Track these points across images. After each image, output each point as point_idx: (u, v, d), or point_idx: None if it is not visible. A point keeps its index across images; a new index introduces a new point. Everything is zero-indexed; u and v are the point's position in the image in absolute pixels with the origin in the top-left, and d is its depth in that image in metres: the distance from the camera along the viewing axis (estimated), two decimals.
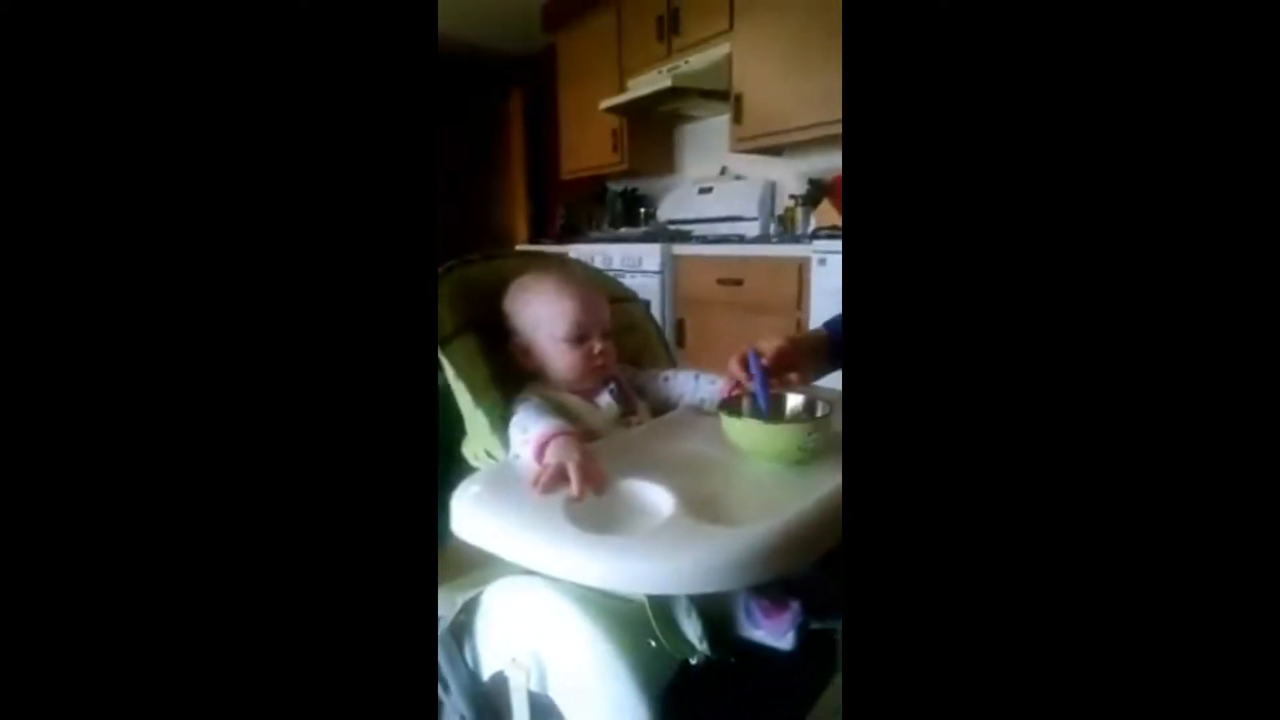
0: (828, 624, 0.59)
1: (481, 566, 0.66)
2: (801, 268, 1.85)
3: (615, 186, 3.36)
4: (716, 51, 2.36)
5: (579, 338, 0.70)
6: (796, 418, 0.64)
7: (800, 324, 1.87)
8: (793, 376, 0.69)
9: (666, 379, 0.79)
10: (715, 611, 0.55)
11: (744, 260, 2.08)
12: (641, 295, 0.97)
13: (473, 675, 0.69)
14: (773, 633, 0.54)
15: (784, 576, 0.54)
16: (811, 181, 2.30)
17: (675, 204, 2.95)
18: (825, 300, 1.77)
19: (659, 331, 0.94)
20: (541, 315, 0.71)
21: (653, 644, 0.54)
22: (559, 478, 0.55)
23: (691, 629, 0.53)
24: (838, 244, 1.74)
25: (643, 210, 3.19)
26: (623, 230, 3.07)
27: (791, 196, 2.39)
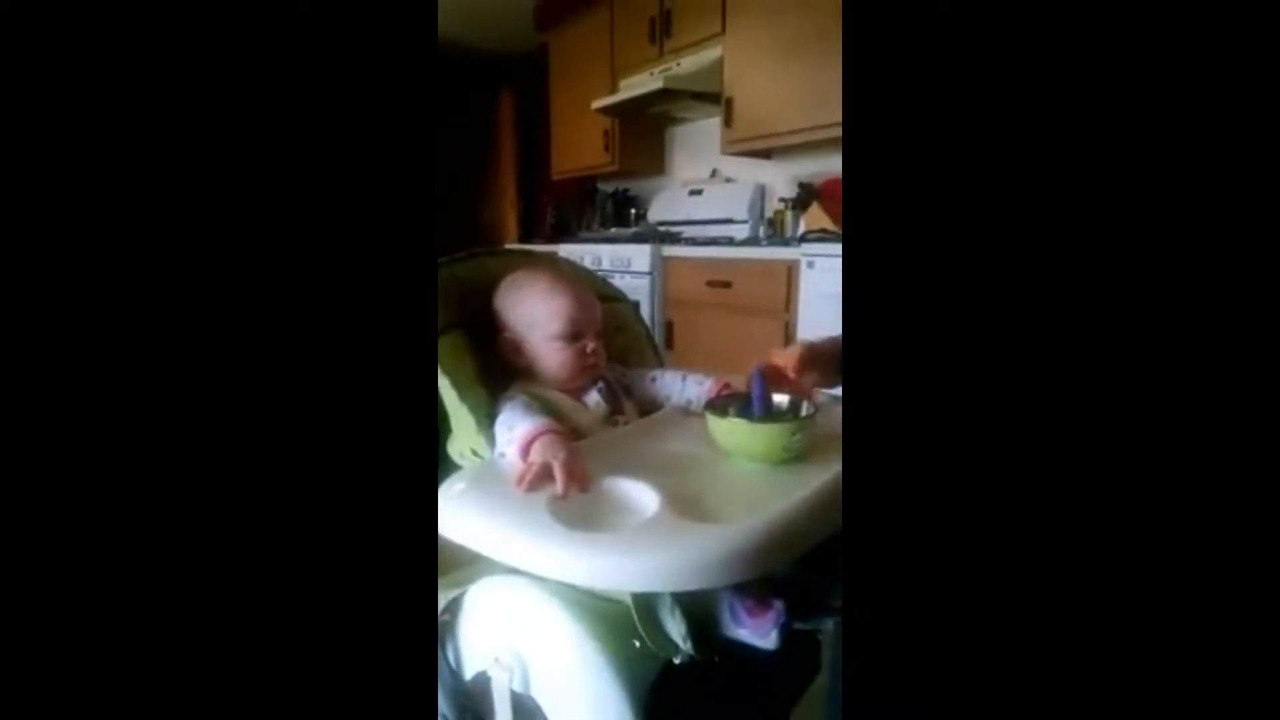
0: (811, 624, 0.59)
1: (464, 565, 0.66)
2: (790, 270, 1.86)
3: (606, 187, 3.36)
4: (708, 54, 2.37)
5: (573, 336, 0.70)
6: (780, 417, 0.64)
7: (789, 327, 1.88)
8: (811, 382, 0.69)
9: (654, 379, 0.79)
10: (699, 611, 0.55)
11: (733, 262, 2.09)
12: (630, 296, 0.97)
13: (455, 675, 0.68)
14: (756, 632, 0.54)
15: (768, 575, 0.54)
16: (801, 185, 2.31)
17: (665, 205, 2.95)
18: (814, 303, 1.78)
19: (647, 332, 0.94)
20: (536, 313, 0.71)
21: (636, 644, 0.53)
22: (544, 476, 0.54)
23: (675, 628, 0.53)
24: (827, 247, 1.75)
25: (633, 211, 3.19)
26: (613, 231, 3.07)
27: (781, 199, 2.40)
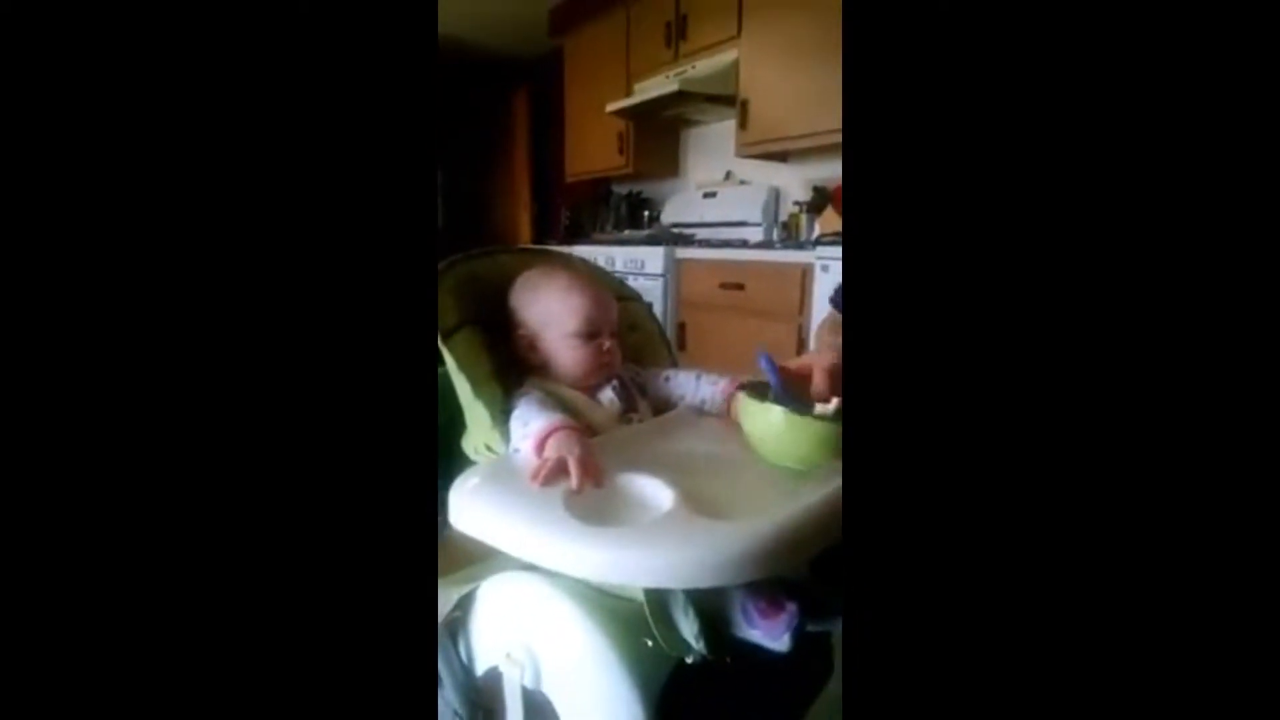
0: (824, 626, 0.58)
1: (477, 561, 0.66)
2: (804, 274, 1.85)
3: (620, 189, 3.36)
4: (724, 57, 2.37)
5: (589, 334, 0.70)
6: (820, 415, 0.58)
7: (802, 330, 1.87)
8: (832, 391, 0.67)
9: (668, 378, 0.78)
10: (712, 611, 0.54)
11: (747, 265, 2.09)
12: (644, 298, 0.97)
13: (467, 671, 0.68)
14: (769, 634, 0.54)
15: (781, 576, 0.53)
16: (816, 188, 2.31)
17: (679, 208, 2.96)
18: (827, 307, 1.76)
19: (661, 331, 0.94)
20: (553, 310, 0.71)
21: (649, 642, 0.53)
22: (559, 471, 0.54)
23: (688, 628, 0.53)
24: (841, 251, 1.74)
25: (647, 213, 3.20)
26: (626, 233, 3.08)
27: (796, 203, 2.40)
